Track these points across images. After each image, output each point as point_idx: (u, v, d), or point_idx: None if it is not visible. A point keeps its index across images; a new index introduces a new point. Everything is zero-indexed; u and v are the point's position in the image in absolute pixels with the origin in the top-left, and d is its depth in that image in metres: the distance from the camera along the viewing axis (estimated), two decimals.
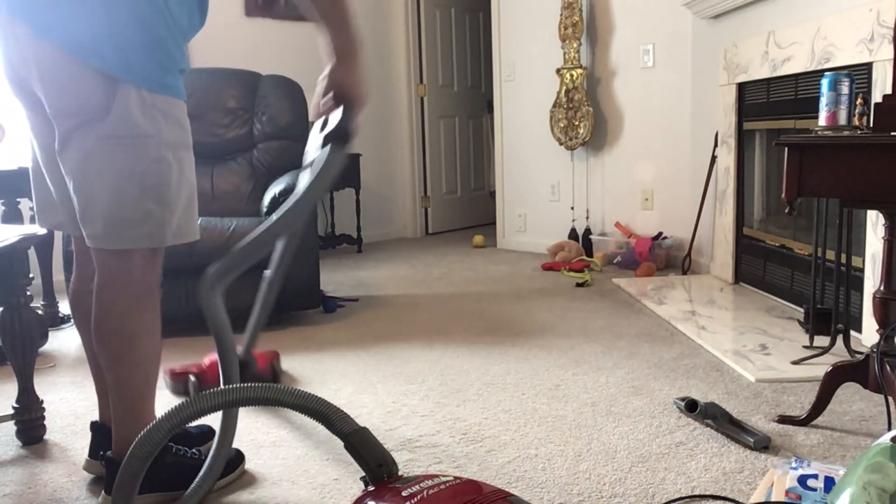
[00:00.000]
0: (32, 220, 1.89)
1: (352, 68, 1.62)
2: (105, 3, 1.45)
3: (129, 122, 1.49)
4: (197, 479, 1.53)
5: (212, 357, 2.17)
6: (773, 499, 1.53)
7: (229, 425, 1.58)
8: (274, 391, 1.33)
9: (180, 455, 1.74)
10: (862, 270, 2.75)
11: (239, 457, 1.87)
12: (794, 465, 1.61)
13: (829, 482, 1.52)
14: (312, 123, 1.74)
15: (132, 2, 1.47)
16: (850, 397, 2.20)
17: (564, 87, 4.78)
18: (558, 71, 4.79)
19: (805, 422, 2.04)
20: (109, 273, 1.59)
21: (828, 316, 2.58)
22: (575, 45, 4.71)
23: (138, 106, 1.50)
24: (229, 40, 4.87)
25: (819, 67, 2.92)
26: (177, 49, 1.55)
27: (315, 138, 1.69)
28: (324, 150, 1.62)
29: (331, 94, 1.64)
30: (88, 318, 1.68)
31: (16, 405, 2.06)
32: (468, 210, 6.47)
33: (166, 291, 3.36)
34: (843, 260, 2.59)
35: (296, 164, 3.76)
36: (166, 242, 1.59)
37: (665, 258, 4.41)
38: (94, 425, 1.85)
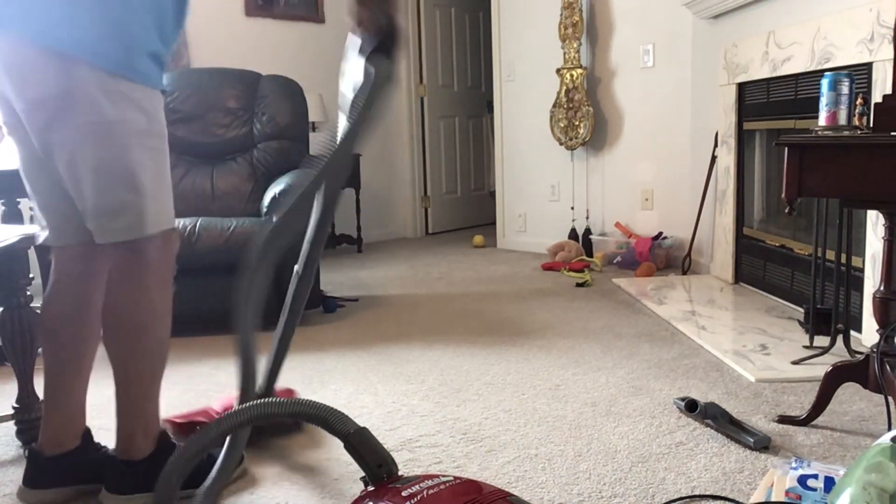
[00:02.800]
0: (32, 221, 1.88)
1: None
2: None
3: (94, 105, 1.45)
4: (208, 481, 1.52)
5: (224, 402, 2.08)
6: (773, 499, 1.53)
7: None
8: (271, 406, 1.32)
9: None
10: (862, 270, 2.75)
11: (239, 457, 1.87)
12: (794, 465, 1.61)
13: (829, 482, 1.52)
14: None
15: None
16: (850, 397, 2.20)
17: (564, 87, 4.78)
18: (558, 71, 4.79)
19: (805, 422, 2.04)
20: (118, 266, 1.58)
21: (828, 316, 2.58)
22: (575, 45, 4.71)
23: (99, 89, 1.44)
24: (229, 40, 4.87)
25: (819, 67, 2.92)
26: (141, 29, 1.48)
27: (353, 64, 1.50)
28: (366, 68, 1.41)
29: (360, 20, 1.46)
30: (49, 329, 1.68)
31: (16, 405, 2.06)
32: (468, 210, 6.47)
33: None
34: (843, 260, 2.59)
35: (296, 165, 3.76)
36: (146, 232, 1.54)
37: (665, 258, 4.41)
38: (31, 452, 1.73)
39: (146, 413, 1.62)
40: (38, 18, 1.41)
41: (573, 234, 4.90)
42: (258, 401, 1.29)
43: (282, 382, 1.48)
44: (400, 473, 1.34)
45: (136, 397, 1.62)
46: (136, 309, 1.57)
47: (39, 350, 1.84)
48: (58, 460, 1.68)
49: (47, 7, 1.42)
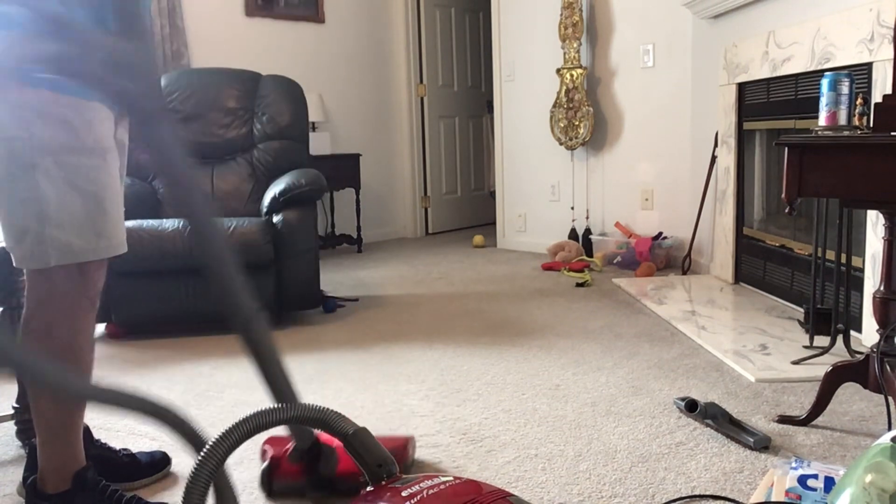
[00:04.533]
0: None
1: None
2: None
3: None
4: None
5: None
6: (773, 499, 1.53)
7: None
8: (271, 414, 1.31)
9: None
10: (862, 270, 2.75)
11: (165, 459, 1.85)
12: (794, 465, 1.61)
13: (829, 482, 1.52)
14: None
15: None
16: (850, 397, 2.20)
17: (564, 87, 4.78)
18: (558, 71, 4.79)
19: (805, 422, 2.04)
20: (28, 290, 1.45)
21: (828, 316, 2.58)
22: (575, 45, 4.71)
23: (2, 102, 1.33)
24: (229, 40, 4.87)
25: (819, 67, 2.92)
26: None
27: None
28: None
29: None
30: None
31: (16, 405, 2.06)
32: (468, 210, 6.47)
33: (167, 291, 3.36)
34: (843, 260, 2.59)
35: (296, 164, 3.76)
36: (49, 263, 1.38)
37: (665, 258, 4.41)
38: (31, 446, 1.69)
39: (55, 450, 1.52)
40: None
41: (573, 234, 4.90)
42: (257, 411, 1.27)
43: None
44: (400, 473, 1.34)
45: (44, 432, 1.51)
46: (38, 341, 1.43)
47: None
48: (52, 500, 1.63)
49: None
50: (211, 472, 1.12)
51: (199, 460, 1.12)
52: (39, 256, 1.39)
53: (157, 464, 1.86)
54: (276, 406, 1.28)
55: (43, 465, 1.54)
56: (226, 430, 1.17)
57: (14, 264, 1.44)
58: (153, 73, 1.16)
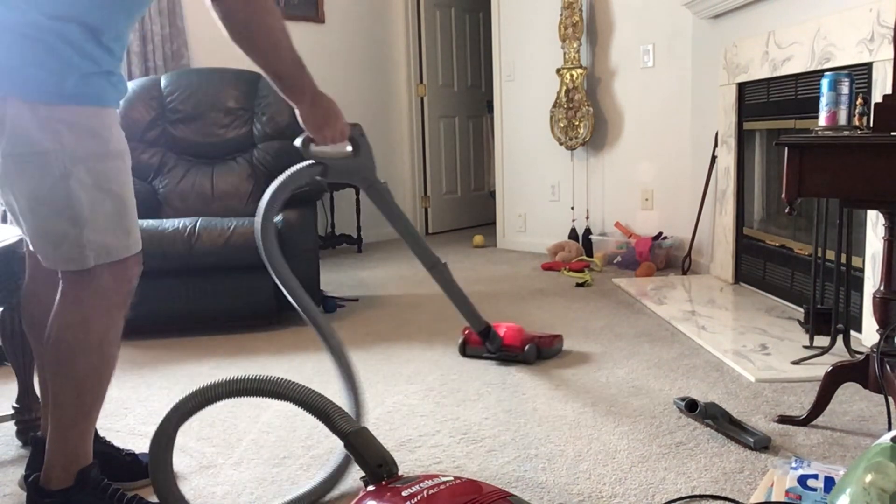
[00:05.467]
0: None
1: (316, 107, 1.76)
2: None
3: (22, 138, 1.41)
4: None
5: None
6: (773, 499, 1.53)
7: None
8: (278, 385, 1.34)
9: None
10: (862, 270, 2.75)
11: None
12: (794, 465, 1.61)
13: (829, 482, 1.52)
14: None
15: (14, 20, 1.39)
16: (850, 397, 2.20)
17: (564, 87, 4.78)
18: (558, 71, 4.79)
19: (805, 422, 2.04)
20: (63, 289, 1.52)
21: (828, 316, 2.58)
22: (575, 45, 4.71)
23: (32, 120, 1.40)
24: (229, 40, 4.86)
25: (819, 67, 2.92)
26: (75, 53, 1.41)
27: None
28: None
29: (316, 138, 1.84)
30: (33, 324, 1.67)
31: (16, 405, 2.06)
32: (468, 210, 6.47)
33: (167, 291, 3.35)
34: (843, 260, 2.59)
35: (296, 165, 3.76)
36: (88, 264, 1.47)
37: (665, 258, 4.41)
38: (34, 439, 1.75)
39: (68, 443, 1.54)
40: None
41: (573, 234, 4.90)
42: (268, 376, 1.33)
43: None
44: (400, 473, 1.35)
45: (59, 425, 1.54)
46: (72, 333, 1.50)
47: None
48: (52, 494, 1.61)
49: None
50: (194, 408, 1.35)
51: (186, 397, 1.32)
52: (79, 258, 1.47)
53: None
54: (287, 382, 1.36)
55: (51, 458, 1.55)
56: (240, 378, 1.27)
57: (47, 266, 1.51)
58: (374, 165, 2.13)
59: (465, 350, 2.75)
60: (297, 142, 2.00)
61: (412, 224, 2.29)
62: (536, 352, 2.66)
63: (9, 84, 1.40)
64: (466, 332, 2.74)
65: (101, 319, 1.51)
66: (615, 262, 4.55)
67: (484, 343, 2.65)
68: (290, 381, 1.34)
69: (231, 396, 1.49)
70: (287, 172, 2.02)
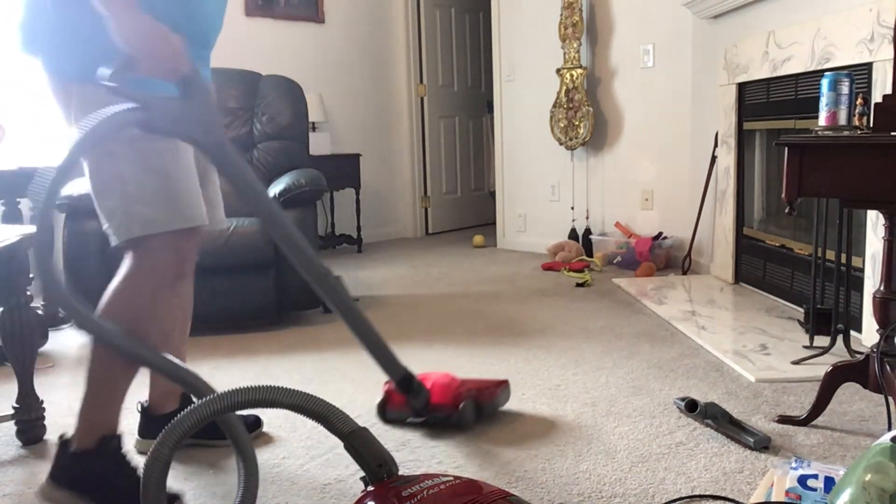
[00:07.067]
0: (32, 220, 1.88)
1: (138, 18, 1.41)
2: (52, 23, 1.55)
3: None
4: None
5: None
6: (773, 499, 1.53)
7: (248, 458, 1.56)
8: (273, 392, 1.33)
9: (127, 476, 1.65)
10: (862, 270, 2.75)
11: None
12: (794, 465, 1.61)
13: (829, 482, 1.52)
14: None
15: (64, 8, 1.53)
16: (850, 397, 2.20)
17: (564, 87, 4.78)
18: (558, 71, 4.79)
19: (805, 422, 2.04)
20: (128, 261, 1.64)
21: (828, 316, 2.58)
22: (575, 45, 4.71)
23: (85, 103, 1.53)
24: (229, 40, 4.85)
25: (819, 67, 2.92)
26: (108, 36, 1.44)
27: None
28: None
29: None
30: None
31: (16, 405, 2.06)
32: (468, 210, 6.47)
33: None
34: (843, 260, 2.59)
35: (296, 165, 3.76)
36: (135, 233, 1.60)
37: (665, 258, 4.41)
38: (143, 407, 1.98)
39: (96, 404, 1.62)
40: (49, 53, 1.60)
41: (573, 234, 4.90)
42: (261, 385, 1.32)
43: (286, 383, 1.47)
44: (400, 473, 1.35)
45: (91, 384, 1.62)
46: (118, 300, 1.60)
47: (40, 350, 1.85)
48: (162, 420, 1.64)
49: (53, 42, 1.58)
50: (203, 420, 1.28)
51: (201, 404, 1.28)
52: (127, 229, 1.60)
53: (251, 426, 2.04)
54: (281, 388, 1.34)
55: (79, 419, 1.62)
56: (228, 392, 1.29)
57: (111, 244, 1.64)
58: (214, 121, 1.59)
59: (385, 413, 2.15)
60: (104, 70, 1.39)
61: (277, 210, 1.79)
62: (475, 409, 2.08)
63: (63, 72, 1.57)
64: (387, 387, 2.15)
65: (146, 291, 1.62)
66: (615, 262, 4.55)
67: (408, 401, 2.05)
68: (283, 387, 1.32)
69: (226, 412, 1.43)
70: (91, 120, 1.36)
